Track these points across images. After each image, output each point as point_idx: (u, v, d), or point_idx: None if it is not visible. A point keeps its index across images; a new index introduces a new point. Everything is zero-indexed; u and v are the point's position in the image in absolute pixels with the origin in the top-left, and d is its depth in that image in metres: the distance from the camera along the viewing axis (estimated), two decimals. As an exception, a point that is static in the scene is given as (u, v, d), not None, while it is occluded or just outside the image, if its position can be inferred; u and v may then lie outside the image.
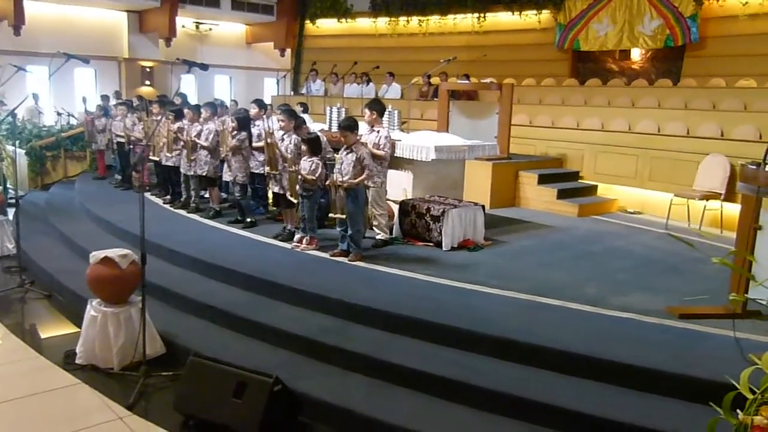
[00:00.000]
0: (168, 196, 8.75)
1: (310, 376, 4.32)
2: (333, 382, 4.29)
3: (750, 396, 2.56)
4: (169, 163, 8.26)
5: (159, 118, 9.00)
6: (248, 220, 7.46)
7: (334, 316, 4.99)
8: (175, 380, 4.44)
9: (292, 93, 16.70)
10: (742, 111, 10.01)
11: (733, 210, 8.04)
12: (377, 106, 6.64)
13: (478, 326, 4.55)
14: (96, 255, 4.76)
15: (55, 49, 14.53)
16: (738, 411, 2.58)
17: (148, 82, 16.62)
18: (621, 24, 13.24)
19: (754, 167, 4.50)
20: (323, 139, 6.76)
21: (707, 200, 8.06)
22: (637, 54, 13.77)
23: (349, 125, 6.03)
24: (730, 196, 8.06)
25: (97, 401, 4.28)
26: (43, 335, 5.50)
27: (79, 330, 5.32)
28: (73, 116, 13.07)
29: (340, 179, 5.91)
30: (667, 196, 8.56)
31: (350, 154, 6.00)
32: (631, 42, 13.28)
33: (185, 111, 8.08)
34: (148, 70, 16.67)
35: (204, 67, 4.60)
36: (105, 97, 11.98)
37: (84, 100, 14.51)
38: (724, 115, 9.73)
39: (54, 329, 5.65)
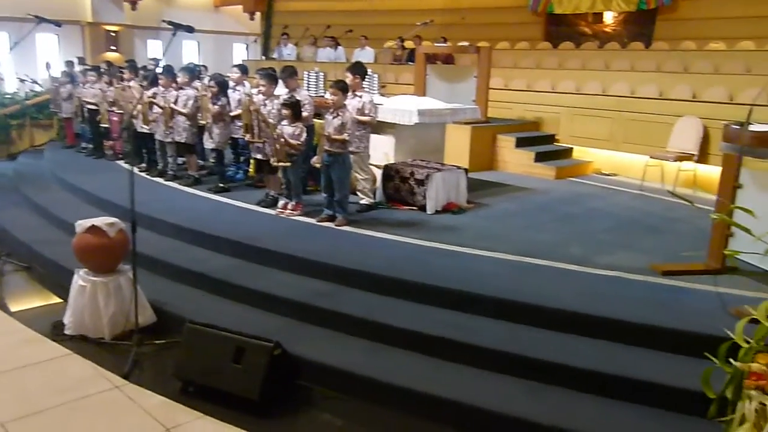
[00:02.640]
0: (143, 164, 8.59)
1: (306, 340, 4.35)
2: (330, 345, 4.33)
3: (745, 345, 2.67)
4: (144, 130, 8.08)
5: (131, 83, 8.80)
6: (220, 185, 7.40)
7: (327, 281, 5.01)
8: (169, 348, 4.44)
9: (263, 58, 16.39)
10: (713, 73, 10.15)
11: (706, 171, 8.24)
12: (359, 70, 6.58)
13: (471, 287, 4.62)
14: (82, 224, 4.68)
15: (14, 12, 14.06)
16: (731, 360, 2.68)
17: (113, 48, 16.13)
18: (594, -14, 13.25)
19: (737, 127, 4.59)
20: (307, 102, 6.69)
21: (681, 161, 8.22)
22: (609, 17, 13.80)
23: (343, 87, 5.99)
24: (703, 157, 8.24)
25: (90, 371, 4.25)
26: (27, 307, 5.41)
27: (62, 300, 5.30)
28: (36, 83, 12.67)
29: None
30: (641, 158, 8.71)
31: (336, 118, 5.96)
32: (605, 5, 13.30)
33: (159, 77, 7.89)
34: (113, 34, 16.17)
35: (190, 29, 4.49)
36: (69, 63, 11.61)
37: (47, 66, 14.07)
38: (696, 78, 9.86)
39: (37, 301, 5.56)
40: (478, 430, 3.62)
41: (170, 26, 4.51)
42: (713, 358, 2.71)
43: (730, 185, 4.65)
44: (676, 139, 8.51)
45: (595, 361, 3.83)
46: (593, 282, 4.79)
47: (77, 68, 11.02)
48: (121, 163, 9.31)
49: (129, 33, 16.53)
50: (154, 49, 17.32)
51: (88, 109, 9.64)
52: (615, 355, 3.91)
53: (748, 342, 2.59)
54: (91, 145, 10.00)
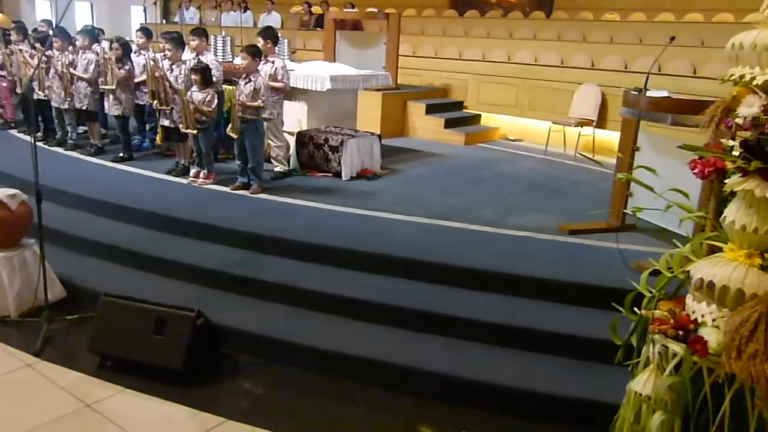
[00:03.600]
0: (39, 133, 8.09)
1: (226, 308, 4.31)
2: (250, 312, 4.32)
3: (648, 294, 2.89)
4: (40, 97, 7.60)
5: (20, 47, 8.22)
6: (120, 154, 7.14)
7: (244, 249, 4.96)
8: (82, 323, 4.28)
9: (163, 21, 15.69)
10: (609, 43, 10.66)
11: (604, 136, 8.71)
12: (271, 35, 6.47)
13: (387, 250, 4.73)
14: (-20, 196, 4.40)
15: None
16: (636, 309, 2.90)
17: (-4, 8, 14.95)
18: (498, -45, 13.50)
19: (636, 93, 4.88)
20: (215, 67, 6.51)
21: (582, 127, 8.64)
22: (512, -14, 14.14)
23: (255, 51, 5.87)
24: (601, 123, 8.69)
25: (-3, 350, 4.05)
26: None
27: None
28: None
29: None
30: (544, 124, 9.09)
31: (248, 84, 5.84)
32: (508, -27, 13.61)
33: (54, 39, 7.41)
34: (-6, -7, 14.98)
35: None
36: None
37: None
38: (593, 47, 10.33)
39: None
40: (399, 387, 3.74)
41: (70, -15, 4.25)
42: (620, 308, 2.92)
43: (629, 147, 4.95)
44: (576, 106, 8.92)
45: (510, 317, 4.03)
46: (505, 242, 5.01)
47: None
48: (14, 132, 8.73)
49: (13, -8, 15.35)
50: (42, 9, 16.14)
51: (-26, 74, 8.93)
52: (528, 310, 4.12)
53: (651, 292, 2.80)
54: (-22, 113, 9.29)
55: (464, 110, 10.19)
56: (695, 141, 2.98)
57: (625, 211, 5.19)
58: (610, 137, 8.42)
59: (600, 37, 10.97)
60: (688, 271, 2.56)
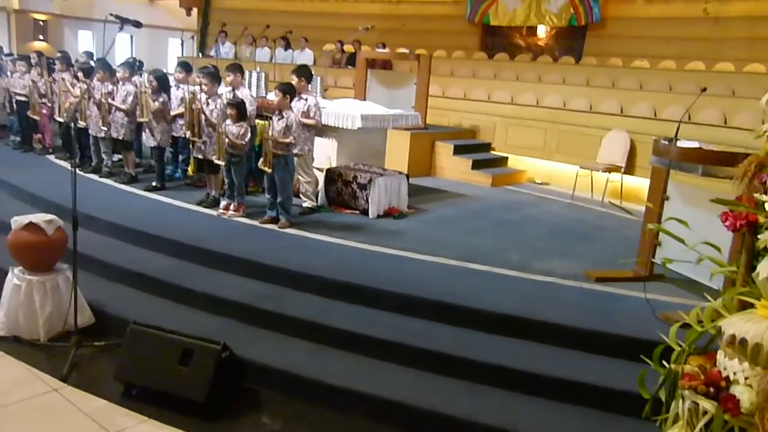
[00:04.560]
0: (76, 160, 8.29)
1: (251, 342, 4.34)
2: (275, 347, 4.34)
3: (678, 348, 2.87)
4: (80, 125, 7.82)
5: (63, 76, 8.49)
6: (153, 183, 7.28)
7: (270, 283, 5.01)
8: (109, 350, 4.34)
9: (199, 55, 16.08)
10: (639, 90, 10.70)
11: (632, 182, 8.68)
12: (305, 73, 6.60)
13: (413, 290, 4.73)
14: (19, 220, 4.52)
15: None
16: (664, 362, 2.87)
17: (41, 37, 15.46)
18: (529, 1, 13.69)
19: (666, 142, 4.89)
20: (249, 101, 6.66)
21: (609, 172, 8.62)
22: (542, 31, 14.30)
23: (289, 89, 6.00)
24: (630, 169, 8.67)
25: (25, 373, 4.11)
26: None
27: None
28: (-44, 70, 12.00)
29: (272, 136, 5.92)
30: (572, 168, 9.09)
31: (281, 120, 5.96)
32: (538, 19, 13.79)
33: (96, 70, 7.66)
34: (41, 23, 15.50)
35: (137, 24, 4.41)
36: (-3, 51, 11.10)
37: (-32, 53, 13.40)
38: (623, 93, 10.37)
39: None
40: (419, 430, 3.71)
41: (117, 20, 4.42)
42: (648, 360, 2.89)
43: (658, 197, 4.93)
44: (605, 151, 8.92)
45: (535, 364, 3.99)
46: (531, 287, 4.99)
47: (5, 58, 10.53)
48: (51, 157, 8.97)
49: (58, 22, 15.90)
50: (84, 40, 16.71)
51: (17, 100, 9.24)
52: (554, 358, 4.09)
53: (680, 345, 2.78)
54: (18, 138, 9.58)
55: (492, 152, 10.24)
56: (726, 192, 2.98)
57: (653, 260, 5.15)
58: (639, 184, 8.39)
59: (629, 83, 11.01)
60: (720, 327, 2.54)
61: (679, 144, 4.83)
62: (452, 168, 9.56)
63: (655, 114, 9.52)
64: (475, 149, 10.05)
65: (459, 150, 9.65)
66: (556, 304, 4.61)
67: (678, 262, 3.57)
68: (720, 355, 2.54)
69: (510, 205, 8.05)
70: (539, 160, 9.91)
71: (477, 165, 9.47)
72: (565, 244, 6.31)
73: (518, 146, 10.08)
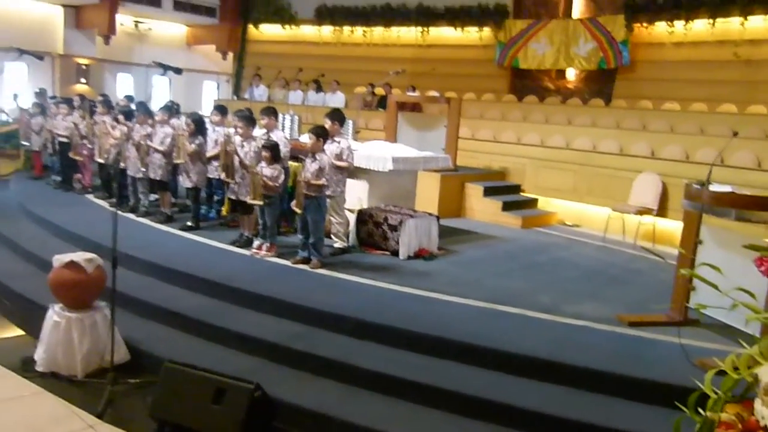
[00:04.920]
0: (113, 199, 8.54)
1: (281, 381, 4.38)
2: (305, 387, 4.37)
3: (714, 396, 2.83)
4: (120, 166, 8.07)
5: (104, 118, 8.81)
6: (188, 223, 7.44)
7: (302, 323, 5.06)
8: (144, 387, 4.42)
9: (234, 97, 16.53)
10: (669, 132, 10.67)
11: (664, 225, 8.61)
12: (338, 117, 6.74)
13: (443, 332, 4.74)
14: (60, 259, 4.67)
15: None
16: (700, 410, 2.83)
17: (83, 80, 16.05)
18: (558, 45, 13.85)
19: (698, 187, 4.88)
20: (283, 144, 6.82)
21: (641, 215, 8.57)
22: (572, 74, 14.42)
23: (322, 133, 6.15)
24: (662, 212, 8.60)
25: (63, 409, 4.18)
26: (-6, 341, 5.32)
27: (29, 335, 5.23)
28: (3, 112, 12.52)
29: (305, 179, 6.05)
30: (602, 210, 9.05)
31: (314, 162, 6.09)
32: (567, 62, 13.92)
33: (136, 113, 7.94)
34: (83, 67, 16.10)
35: (178, 71, 4.61)
36: (41, 93, 11.53)
37: (15, 96, 13.94)
38: (653, 136, 10.37)
39: (4, 335, 5.46)
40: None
41: (159, 67, 4.61)
42: (684, 408, 2.85)
43: (691, 241, 4.90)
44: (636, 194, 8.87)
45: (567, 409, 3.95)
46: (562, 330, 4.96)
47: (49, 100, 10.96)
48: (90, 196, 9.24)
49: (100, 66, 16.50)
50: (124, 82, 17.27)
51: (60, 141, 9.58)
52: (586, 403, 4.04)
53: (716, 393, 2.74)
54: (59, 178, 9.90)
55: (522, 194, 10.27)
56: (761, 237, 2.97)
57: (687, 305, 5.08)
58: (672, 226, 8.32)
59: (660, 126, 10.99)
60: (756, 374, 2.51)
61: (712, 188, 4.81)
62: (482, 209, 9.59)
63: (687, 157, 9.49)
64: (505, 191, 10.08)
65: (489, 192, 9.69)
66: (589, 349, 4.57)
67: (719, 308, 3.54)
68: (758, 404, 2.50)
69: (540, 247, 8.03)
70: (569, 202, 9.90)
71: (507, 207, 9.50)
72: (597, 287, 6.27)
73: (548, 188, 10.10)
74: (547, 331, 4.94)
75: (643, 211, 8.57)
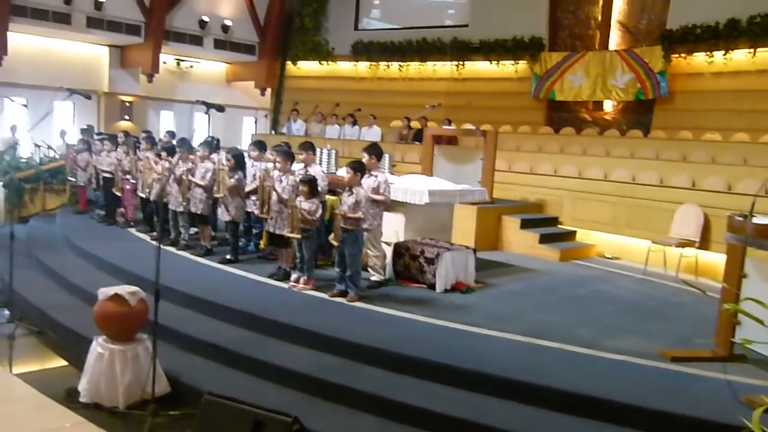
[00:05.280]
0: (155, 233, 8.74)
1: (319, 415, 4.38)
2: (342, 420, 4.37)
3: (763, 435, 2.74)
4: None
5: (147, 154, 9.06)
6: (227, 257, 7.54)
7: (339, 356, 5.08)
8: (183, 419, 4.46)
9: (272, 132, 16.85)
10: (711, 163, 10.49)
11: (707, 257, 8.42)
12: (375, 151, 6.82)
13: (482, 367, 4.70)
14: (105, 292, 4.79)
15: (35, 81, 14.57)
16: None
17: (127, 117, 16.57)
18: (594, 77, 13.81)
19: (741, 219, 4.78)
20: (321, 178, 6.92)
21: (683, 247, 8.40)
22: (609, 105, 14.34)
23: (359, 167, 6.24)
24: (704, 244, 8.43)
25: (104, 440, 4.26)
26: (40, 372, 5.44)
27: (73, 367, 5.34)
28: (51, 148, 12.97)
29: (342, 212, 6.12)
30: (642, 243, 8.91)
31: (351, 196, 6.16)
32: (604, 94, 13.86)
33: (178, 149, 8.15)
34: (127, 104, 16.65)
35: (221, 109, 4.74)
36: (87, 130, 11.93)
37: (62, 133, 14.47)
38: (694, 167, 10.20)
39: (49, 366, 5.59)
40: None
41: (203, 105, 4.75)
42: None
43: (735, 275, 4.79)
44: (677, 226, 8.72)
45: (609, 446, 3.87)
46: (603, 365, 4.87)
47: (95, 137, 11.33)
48: (132, 230, 9.46)
49: (143, 104, 17.03)
50: (166, 119, 17.76)
51: (104, 177, 9.88)
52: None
53: (764, 431, 2.66)
54: (103, 212, 10.17)
55: (559, 226, 10.18)
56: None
57: (733, 340, 4.95)
58: (715, 259, 8.13)
59: (701, 157, 10.81)
60: (807, 414, 2.43)
61: (756, 220, 4.71)
62: (519, 242, 9.52)
63: (730, 188, 9.30)
64: (543, 223, 10.01)
65: (526, 224, 9.63)
66: (631, 384, 4.47)
67: (759, 343, 3.45)
68: (809, 444, 2.42)
69: (579, 280, 7.92)
70: (609, 234, 9.77)
71: (544, 239, 9.41)
72: (638, 322, 6.15)
73: (586, 220, 9.99)
74: (588, 365, 4.85)
75: (684, 244, 8.41)
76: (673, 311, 6.68)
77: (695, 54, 12.73)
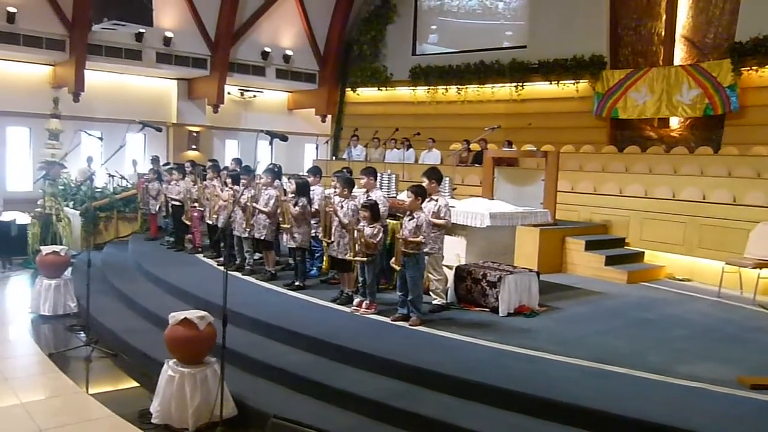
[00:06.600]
0: (220, 258, 8.97)
1: (383, 440, 4.38)
2: (406, 446, 4.34)
3: None
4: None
5: (214, 182, 9.35)
6: (296, 282, 7.64)
7: (401, 380, 5.06)
8: (249, 442, 4.53)
9: (333, 158, 17.11)
10: (788, 180, 10.06)
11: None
12: (435, 175, 6.83)
13: (547, 393, 4.60)
14: (175, 316, 4.93)
15: (109, 114, 15.32)
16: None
17: (194, 146, 17.18)
18: (659, 93, 13.47)
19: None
20: (381, 203, 6.98)
21: (760, 268, 8.04)
22: (675, 122, 13.95)
23: (420, 191, 6.28)
24: (784, 265, 8.05)
25: (174, 461, 4.37)
26: (114, 393, 5.63)
27: (145, 388, 5.51)
28: (124, 178, 13.55)
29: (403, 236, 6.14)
30: (715, 264, 8.57)
31: (412, 220, 6.18)
32: (670, 111, 13.49)
33: (243, 176, 8.38)
34: (195, 134, 17.27)
35: (284, 138, 4.85)
36: (155, 160, 12.43)
37: (134, 163, 15.12)
38: (770, 184, 9.79)
39: (122, 387, 5.78)
40: None
41: (267, 134, 4.88)
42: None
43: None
44: (754, 246, 8.36)
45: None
46: (676, 392, 4.68)
47: (163, 166, 11.78)
48: (200, 256, 9.74)
49: (209, 133, 17.62)
50: (231, 147, 18.30)
51: (173, 204, 10.24)
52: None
53: None
54: (172, 239, 10.53)
55: (626, 247, 9.91)
56: None
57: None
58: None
59: (777, 173, 10.38)
60: None
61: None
62: (584, 264, 9.32)
63: (809, 205, 8.88)
64: (608, 245, 9.77)
65: (591, 246, 9.43)
66: (707, 413, 4.29)
67: None
68: None
69: (648, 303, 7.67)
70: (679, 255, 9.45)
71: (611, 261, 9.18)
72: (713, 347, 5.90)
73: (655, 241, 9.69)
74: (660, 392, 4.68)
75: (761, 264, 8.05)
76: (751, 336, 6.37)
77: (767, 66, 12.26)
